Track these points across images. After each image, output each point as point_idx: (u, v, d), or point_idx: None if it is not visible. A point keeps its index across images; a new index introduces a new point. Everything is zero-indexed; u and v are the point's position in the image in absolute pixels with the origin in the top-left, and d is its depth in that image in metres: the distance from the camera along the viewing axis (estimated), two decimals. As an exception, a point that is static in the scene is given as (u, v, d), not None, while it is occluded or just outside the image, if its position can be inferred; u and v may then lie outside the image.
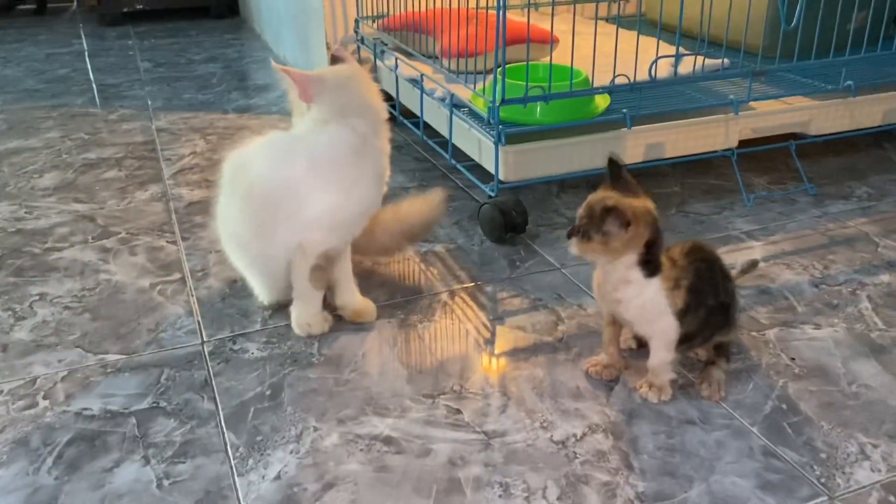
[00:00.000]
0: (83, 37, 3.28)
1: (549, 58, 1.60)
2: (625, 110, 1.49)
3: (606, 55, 1.48)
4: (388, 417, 1.02)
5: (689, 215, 1.58)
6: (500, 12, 1.29)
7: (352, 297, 1.23)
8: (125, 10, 3.48)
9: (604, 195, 1.00)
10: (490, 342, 1.18)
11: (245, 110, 2.24)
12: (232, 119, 2.16)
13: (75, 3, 3.97)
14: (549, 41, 1.70)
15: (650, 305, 0.99)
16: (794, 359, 1.13)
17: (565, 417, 1.02)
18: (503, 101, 1.38)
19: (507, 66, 1.46)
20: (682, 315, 1.00)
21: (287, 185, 1.12)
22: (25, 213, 1.61)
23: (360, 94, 1.16)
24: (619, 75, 1.45)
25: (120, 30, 3.40)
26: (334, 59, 1.21)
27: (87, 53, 2.99)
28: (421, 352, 1.16)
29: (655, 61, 1.46)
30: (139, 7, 3.49)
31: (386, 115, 1.18)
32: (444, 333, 1.21)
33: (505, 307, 1.27)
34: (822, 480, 0.91)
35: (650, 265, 0.98)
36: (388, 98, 1.31)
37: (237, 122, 2.14)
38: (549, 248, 1.45)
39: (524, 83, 1.38)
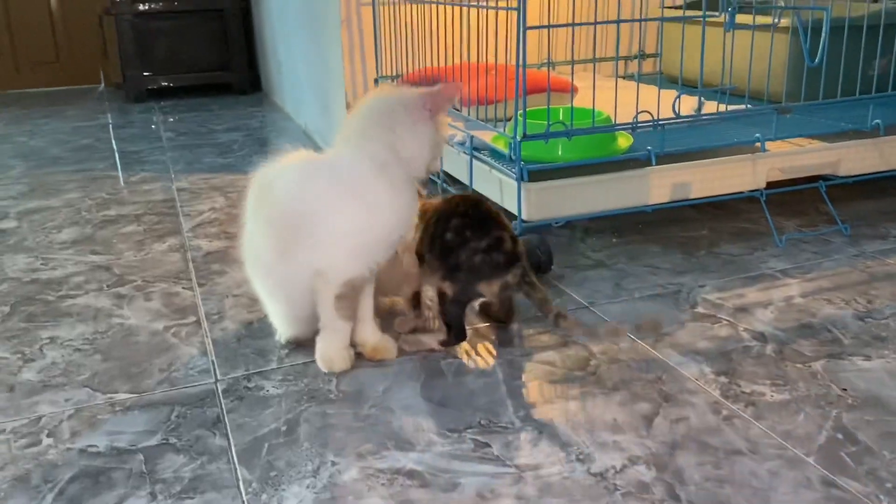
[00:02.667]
0: (110, 112, 3.35)
1: (570, 104, 1.59)
2: (649, 147, 1.46)
3: (627, 104, 1.46)
4: (412, 452, 0.95)
5: (720, 256, 1.53)
6: (521, 45, 1.28)
7: (372, 334, 1.18)
8: (150, 86, 3.57)
9: None
10: (518, 377, 1.12)
11: (265, 171, 2.24)
12: (251, 178, 2.16)
13: (102, 83, 4.08)
14: (569, 90, 1.70)
15: None
16: (845, 389, 1.06)
17: (603, 449, 0.94)
18: (525, 137, 1.36)
19: (527, 110, 1.45)
20: None
21: (309, 204, 1.09)
22: (41, 264, 1.59)
23: (382, 121, 1.13)
24: (642, 111, 1.43)
25: (144, 105, 3.47)
26: None
27: (111, 126, 3.04)
28: (445, 387, 1.10)
29: (678, 97, 1.44)
30: (163, 84, 3.58)
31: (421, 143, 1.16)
32: (469, 369, 1.14)
33: (533, 343, 1.21)
34: (891, 510, 0.82)
35: None
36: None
37: (257, 181, 2.14)
38: (577, 287, 1.40)
39: (546, 122, 1.36)
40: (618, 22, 1.35)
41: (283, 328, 1.21)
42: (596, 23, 1.30)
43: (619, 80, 1.64)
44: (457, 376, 1.13)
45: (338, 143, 1.14)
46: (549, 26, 1.30)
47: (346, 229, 1.09)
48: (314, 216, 1.08)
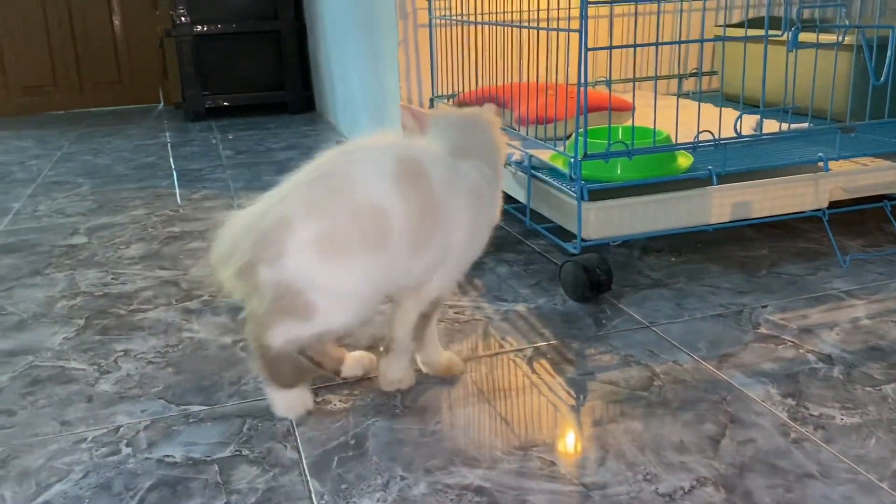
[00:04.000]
0: (170, 130, 3.46)
1: (629, 122, 1.60)
2: (710, 167, 1.46)
3: (687, 123, 1.46)
4: (478, 468, 0.96)
5: (782, 276, 1.51)
6: (583, 66, 1.29)
7: (438, 353, 1.19)
8: (208, 105, 3.67)
9: None
10: (582, 396, 1.12)
11: (322, 188, 2.29)
12: (309, 196, 2.21)
13: (162, 102, 4.21)
14: (627, 109, 1.71)
15: None
16: (918, 414, 1.04)
17: (670, 470, 0.94)
18: (585, 156, 1.37)
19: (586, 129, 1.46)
20: None
21: (457, 203, 1.04)
22: (112, 279, 1.64)
23: (482, 137, 1.14)
24: (703, 131, 1.43)
25: (202, 124, 3.57)
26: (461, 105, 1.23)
27: (172, 144, 3.13)
28: (508, 405, 1.11)
29: (740, 116, 1.43)
30: (221, 103, 3.68)
31: (503, 164, 1.17)
32: (532, 387, 1.15)
33: (594, 363, 1.22)
34: (972, 539, 0.81)
35: None
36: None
37: (314, 198, 2.18)
38: (637, 307, 1.40)
39: (606, 141, 1.37)
40: (679, 42, 1.36)
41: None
42: (658, 43, 1.31)
43: (670, 99, 1.64)
44: (519, 395, 1.14)
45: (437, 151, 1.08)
46: (609, 47, 1.31)
47: (469, 238, 1.07)
48: (457, 217, 1.04)
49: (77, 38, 4.05)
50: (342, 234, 0.99)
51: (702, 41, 1.40)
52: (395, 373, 1.14)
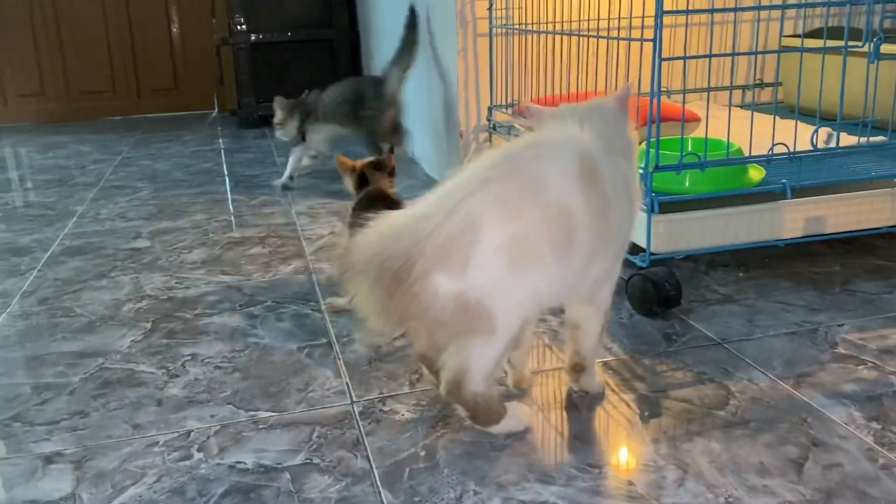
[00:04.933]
0: (225, 137, 3.50)
1: (696, 133, 1.57)
2: (784, 180, 1.42)
3: (756, 135, 1.42)
4: (553, 485, 0.94)
5: (857, 294, 1.46)
6: (656, 76, 1.27)
7: (523, 364, 1.16)
8: (261, 113, 3.71)
9: None
10: (655, 414, 1.10)
11: (378, 196, 2.29)
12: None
13: (216, 110, 4.28)
14: (696, 120, 1.68)
15: None
16: None
17: (753, 494, 0.91)
18: (657, 168, 1.34)
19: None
20: None
21: (631, 200, 0.99)
22: (176, 283, 1.66)
23: (619, 129, 1.03)
24: (777, 144, 1.39)
25: (256, 131, 3.61)
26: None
27: (228, 150, 3.17)
28: (580, 421, 1.09)
29: (817, 130, 1.39)
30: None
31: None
32: (603, 403, 1.13)
33: (667, 380, 1.19)
34: None
35: None
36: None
37: (371, 206, 2.19)
38: (707, 323, 1.36)
39: (677, 152, 1.35)
40: (755, 53, 1.33)
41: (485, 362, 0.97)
42: (735, 54, 1.28)
43: (735, 111, 1.60)
44: (590, 410, 1.11)
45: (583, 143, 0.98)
46: (684, 57, 1.28)
47: (627, 241, 1.03)
48: (620, 218, 0.97)
49: (136, 46, 4.14)
50: (534, 238, 0.89)
51: (780, 52, 1.37)
52: (595, 386, 1.14)
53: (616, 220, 0.97)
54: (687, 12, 1.29)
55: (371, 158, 1.57)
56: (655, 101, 1.29)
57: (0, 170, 2.97)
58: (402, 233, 0.89)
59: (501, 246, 0.88)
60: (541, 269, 0.90)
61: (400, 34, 2.37)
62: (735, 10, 1.33)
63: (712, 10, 1.33)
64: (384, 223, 0.91)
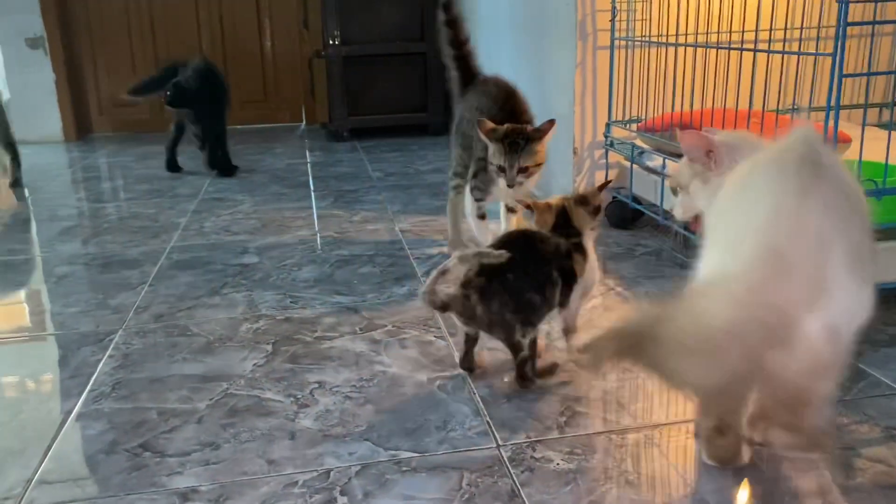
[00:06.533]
0: (316, 150, 3.48)
1: (847, 156, 1.43)
2: (970, 211, 1.27)
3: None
4: (748, 557, 0.83)
5: None
6: (835, 93, 1.15)
7: None
8: (351, 127, 3.68)
9: None
10: (849, 475, 0.97)
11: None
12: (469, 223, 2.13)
13: (304, 122, 4.28)
14: (847, 141, 1.54)
15: None
16: None
17: None
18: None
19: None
20: None
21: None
22: (291, 302, 1.60)
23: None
24: (965, 170, 1.25)
25: (346, 144, 3.58)
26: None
27: (322, 164, 3.14)
28: (761, 480, 0.96)
29: None
30: (365, 124, 3.69)
31: None
32: (786, 461, 1.00)
33: (853, 436, 1.05)
34: None
35: None
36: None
37: (479, 225, 2.10)
38: (880, 368, 1.22)
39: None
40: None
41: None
42: (927, 70, 1.15)
43: (871, 129, 1.45)
44: (772, 468, 0.99)
45: None
46: (868, 74, 1.15)
47: None
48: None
49: (228, 58, 4.17)
50: (861, 254, 0.81)
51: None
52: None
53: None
54: (874, 23, 1.17)
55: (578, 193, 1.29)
56: (832, 122, 1.16)
57: (99, 179, 3.00)
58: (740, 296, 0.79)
59: (849, 266, 0.79)
60: (867, 287, 0.82)
61: (502, 47, 2.28)
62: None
63: (897, 22, 1.20)
64: (707, 293, 0.82)
